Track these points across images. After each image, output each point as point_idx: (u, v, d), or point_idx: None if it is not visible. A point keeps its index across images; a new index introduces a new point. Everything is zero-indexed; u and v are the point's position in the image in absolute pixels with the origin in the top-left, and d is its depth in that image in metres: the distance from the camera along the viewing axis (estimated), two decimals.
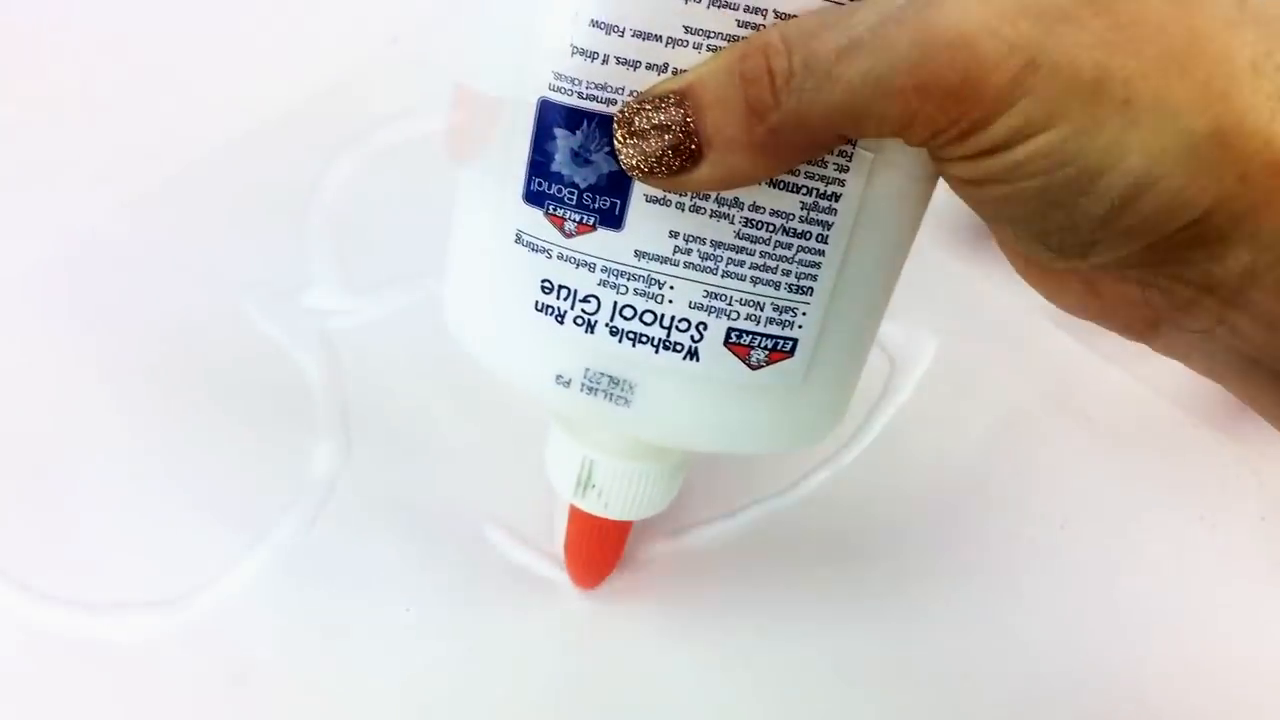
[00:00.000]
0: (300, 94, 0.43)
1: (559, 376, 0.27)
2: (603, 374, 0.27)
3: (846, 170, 0.24)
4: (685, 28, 0.23)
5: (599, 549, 0.33)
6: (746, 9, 0.23)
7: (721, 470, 0.36)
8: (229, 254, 0.40)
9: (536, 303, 0.26)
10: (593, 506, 0.30)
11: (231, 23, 0.45)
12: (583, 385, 0.27)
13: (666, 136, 0.23)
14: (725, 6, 0.23)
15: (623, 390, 0.27)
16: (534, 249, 0.26)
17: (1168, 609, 0.34)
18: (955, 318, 0.39)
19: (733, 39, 0.23)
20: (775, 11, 0.23)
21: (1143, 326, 0.25)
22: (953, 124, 0.21)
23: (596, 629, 0.34)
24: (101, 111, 0.43)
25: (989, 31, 0.20)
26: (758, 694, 0.33)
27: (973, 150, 0.21)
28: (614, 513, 0.30)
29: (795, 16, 0.23)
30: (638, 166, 0.24)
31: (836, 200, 0.25)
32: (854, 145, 0.24)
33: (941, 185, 0.27)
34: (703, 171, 0.23)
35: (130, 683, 0.32)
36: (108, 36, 0.44)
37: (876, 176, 0.25)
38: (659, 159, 0.23)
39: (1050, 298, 0.27)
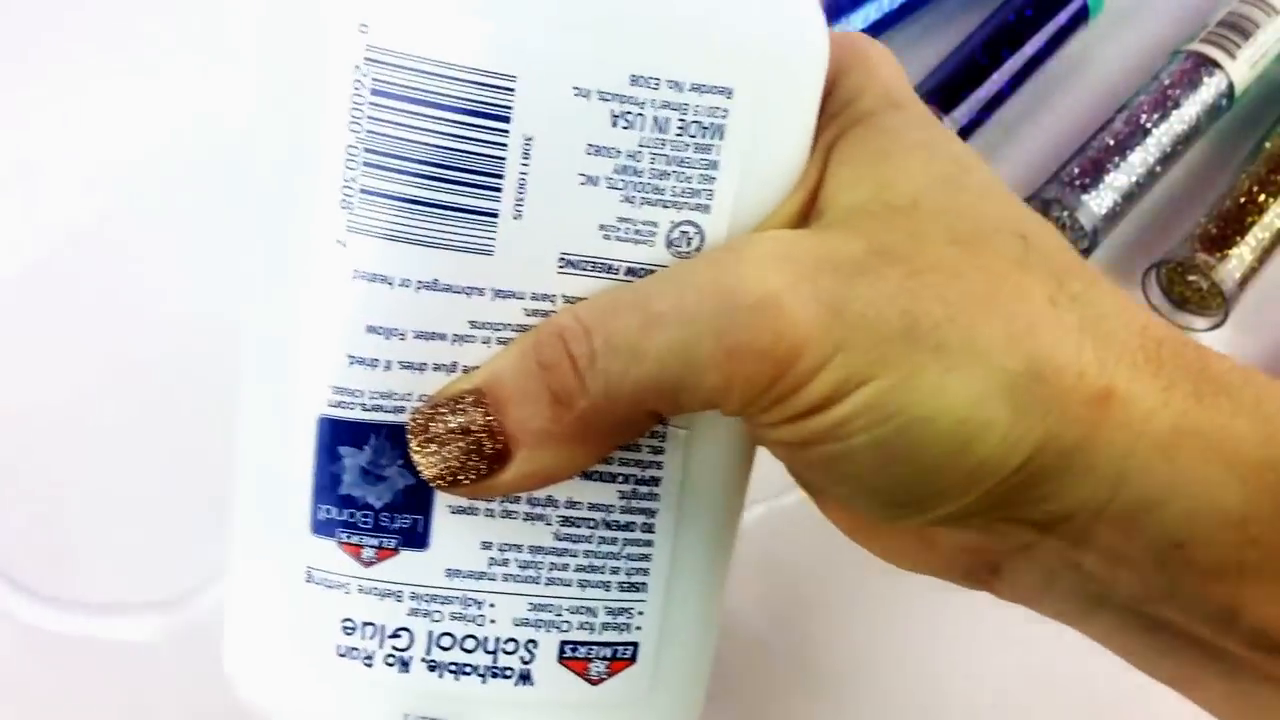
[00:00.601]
0: None
1: None
2: (425, 719, 0.23)
3: (662, 452, 0.23)
4: (470, 323, 0.22)
5: None
6: (534, 296, 0.22)
7: None
8: (229, 254, 0.38)
9: (338, 647, 0.23)
10: None
11: (232, 23, 0.45)
12: None
13: (467, 439, 0.21)
14: (511, 297, 0.21)
15: None
16: (329, 585, 0.23)
17: None
18: None
19: (523, 329, 0.22)
20: (564, 296, 0.22)
21: (985, 573, 0.24)
22: (770, 387, 0.20)
23: None
24: (102, 111, 0.42)
25: (791, 289, 0.19)
26: (758, 694, 0.33)
27: (793, 412, 0.20)
28: None
29: (584, 299, 0.21)
30: (440, 477, 0.21)
31: (656, 484, 0.23)
32: (666, 425, 0.23)
33: None
34: (511, 472, 0.21)
35: (130, 683, 0.32)
36: (108, 36, 0.44)
37: (693, 452, 0.23)
38: (462, 465, 0.21)
39: (885, 556, 0.25)
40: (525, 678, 0.23)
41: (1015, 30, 0.44)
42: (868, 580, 0.35)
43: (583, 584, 0.23)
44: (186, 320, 0.38)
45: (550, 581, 0.23)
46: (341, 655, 0.23)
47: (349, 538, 0.23)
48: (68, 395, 0.37)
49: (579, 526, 0.23)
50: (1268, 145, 0.43)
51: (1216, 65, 0.43)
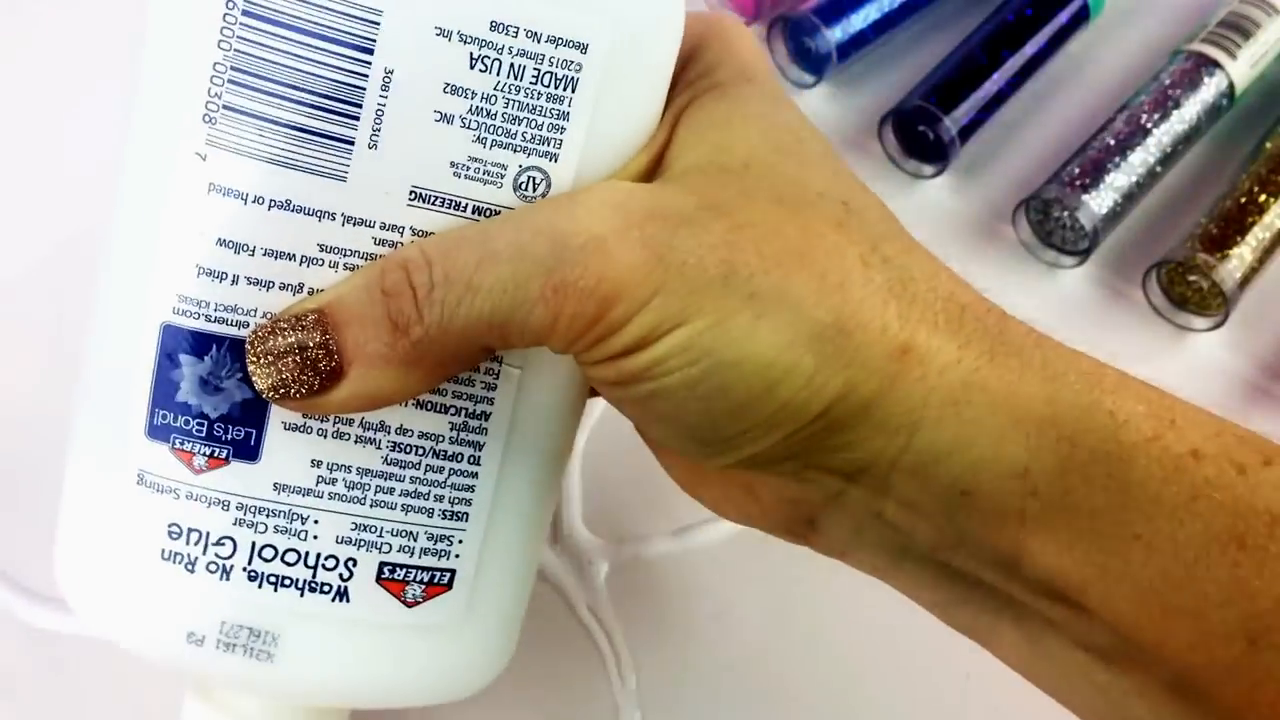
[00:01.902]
0: None
1: (191, 634, 0.24)
2: (241, 626, 0.24)
3: (494, 388, 0.24)
4: (320, 245, 0.23)
5: None
6: (383, 226, 0.23)
7: None
8: None
9: (163, 550, 0.24)
10: None
11: None
12: (219, 642, 0.24)
13: (303, 355, 0.22)
14: (361, 224, 0.23)
15: (265, 643, 0.24)
16: (159, 489, 0.24)
17: None
18: None
19: (370, 257, 0.23)
20: (412, 229, 0.23)
21: (802, 526, 0.25)
22: (592, 325, 0.21)
23: (594, 629, 0.34)
24: (101, 111, 0.41)
25: (618, 234, 0.21)
26: (752, 695, 0.33)
27: (614, 350, 0.22)
28: None
29: (432, 234, 0.23)
30: (273, 388, 0.22)
31: (486, 419, 0.24)
32: (500, 362, 0.24)
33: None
34: (344, 390, 0.22)
35: (130, 683, 0.32)
36: (108, 37, 0.41)
37: (525, 392, 0.24)
38: (295, 379, 0.22)
39: (713, 506, 0.27)
40: (343, 595, 0.24)
41: (1015, 30, 0.45)
42: (868, 580, 0.35)
43: (406, 509, 0.24)
44: None
45: (375, 504, 0.24)
46: (165, 559, 0.24)
47: (182, 444, 0.23)
48: (68, 395, 0.36)
49: (408, 453, 0.24)
50: (1268, 145, 0.42)
51: (1217, 65, 0.43)
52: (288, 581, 0.24)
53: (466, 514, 0.24)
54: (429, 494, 0.24)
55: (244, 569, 0.24)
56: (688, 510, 0.35)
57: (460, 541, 0.25)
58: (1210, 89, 0.43)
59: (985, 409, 0.22)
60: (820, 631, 0.34)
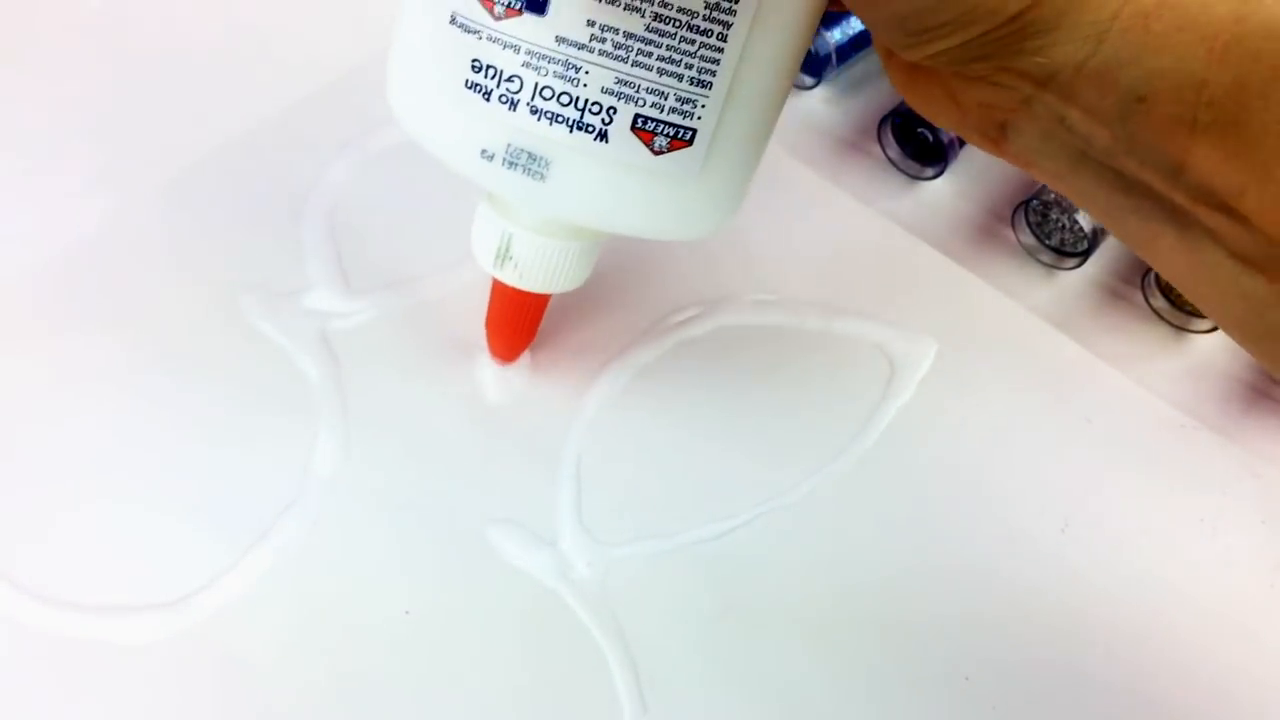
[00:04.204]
0: (300, 94, 0.43)
1: (484, 150, 0.30)
2: (522, 150, 0.30)
3: None
4: None
5: (515, 322, 0.36)
6: None
7: (720, 470, 0.36)
8: (229, 254, 0.40)
9: (467, 80, 0.29)
10: (510, 278, 0.34)
11: (232, 23, 0.46)
12: (504, 160, 0.30)
13: None
14: None
15: (539, 166, 0.30)
16: (466, 30, 0.29)
17: (1168, 610, 0.34)
18: (955, 320, 0.40)
19: None
20: None
21: (995, 131, 0.28)
22: None
23: (595, 629, 0.34)
24: (101, 112, 0.43)
25: None
26: (753, 695, 0.33)
27: None
28: (529, 284, 0.34)
29: None
30: None
31: (736, 2, 0.28)
32: None
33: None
34: None
35: (130, 683, 0.32)
36: (108, 36, 0.45)
37: None
38: None
39: (919, 106, 0.30)
40: (603, 136, 0.29)
41: None
42: (867, 581, 0.34)
43: (661, 71, 0.29)
44: (187, 321, 0.38)
45: (635, 64, 0.28)
46: (468, 88, 0.30)
47: None
48: (69, 395, 0.36)
49: (666, 24, 0.28)
50: None
51: None
52: (561, 119, 0.29)
53: (710, 83, 0.29)
54: (680, 61, 0.28)
55: (527, 103, 0.29)
56: (687, 510, 0.36)
57: (703, 106, 0.29)
58: None
59: (1173, 24, 0.24)
60: (820, 632, 0.34)
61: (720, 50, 0.28)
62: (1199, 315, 0.40)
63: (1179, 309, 0.40)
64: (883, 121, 0.44)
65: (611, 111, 0.29)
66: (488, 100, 0.29)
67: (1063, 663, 0.34)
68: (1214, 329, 0.40)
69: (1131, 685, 0.33)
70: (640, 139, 0.29)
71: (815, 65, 0.46)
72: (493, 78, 0.29)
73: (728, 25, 0.28)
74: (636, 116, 0.29)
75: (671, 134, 0.29)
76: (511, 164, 0.30)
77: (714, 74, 0.29)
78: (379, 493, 0.35)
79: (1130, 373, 0.39)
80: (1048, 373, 0.39)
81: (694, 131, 0.29)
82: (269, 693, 0.32)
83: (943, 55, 0.26)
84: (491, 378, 0.38)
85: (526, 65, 0.29)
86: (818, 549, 0.35)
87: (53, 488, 0.35)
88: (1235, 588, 0.35)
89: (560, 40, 0.28)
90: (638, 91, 0.29)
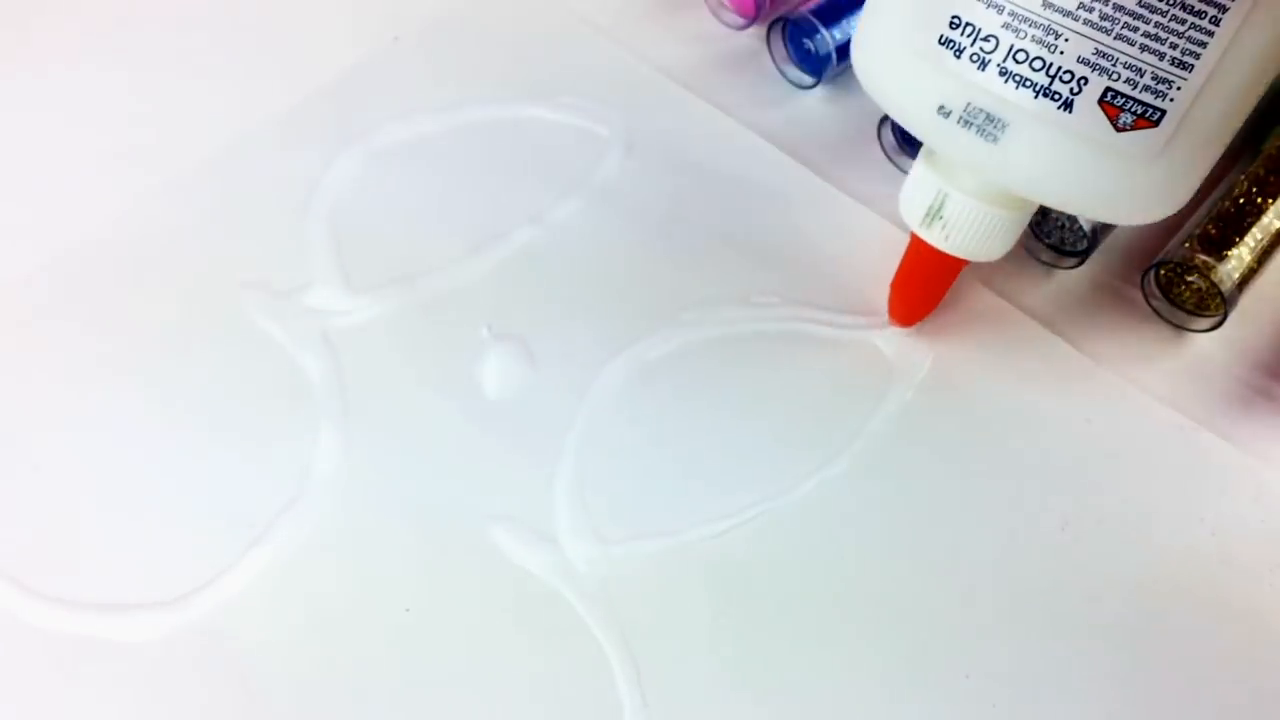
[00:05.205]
0: (300, 94, 0.44)
1: (941, 107, 0.31)
2: (981, 110, 0.31)
3: None
4: None
5: (926, 283, 0.37)
6: None
7: (721, 470, 0.36)
8: (230, 252, 0.40)
9: (941, 36, 0.31)
10: (934, 238, 0.34)
11: (231, 23, 0.46)
12: (960, 118, 0.31)
13: None
14: None
15: (995, 128, 0.31)
16: None
17: (1167, 610, 0.34)
18: (954, 320, 0.39)
19: None
20: None
21: None
22: None
23: (596, 629, 0.33)
24: (102, 111, 0.43)
25: None
26: (753, 695, 0.32)
27: None
28: (952, 247, 0.34)
29: None
30: None
31: None
32: None
33: None
34: None
35: (130, 683, 0.32)
36: (107, 36, 0.45)
37: None
38: None
39: None
40: (1068, 105, 0.30)
41: None
42: (866, 581, 0.34)
43: (1143, 48, 0.29)
44: (187, 321, 0.38)
45: (1118, 37, 0.29)
46: (940, 44, 0.31)
47: None
48: (69, 394, 0.36)
49: (1161, 0, 0.28)
50: (1265, 147, 0.39)
51: None
52: (1029, 84, 0.30)
53: (1192, 65, 0.29)
54: (1166, 40, 0.29)
55: (998, 65, 0.30)
56: (687, 508, 0.35)
57: (1179, 88, 0.29)
58: None
59: None
60: (820, 630, 0.33)
61: (1210, 34, 0.28)
62: (1199, 315, 0.39)
63: (1179, 309, 0.39)
64: (883, 120, 0.43)
65: (1083, 82, 0.29)
66: (959, 57, 0.30)
67: (1063, 662, 0.33)
68: (1214, 329, 0.38)
69: (1131, 685, 0.33)
70: (1105, 113, 0.30)
71: (816, 64, 0.45)
72: (969, 35, 0.30)
73: (1224, 9, 0.28)
74: (1107, 90, 0.29)
75: (1139, 112, 0.30)
76: (967, 123, 0.31)
77: (1198, 57, 0.29)
78: (379, 490, 0.35)
79: (1130, 373, 0.38)
80: (1047, 372, 0.38)
81: (1163, 113, 0.29)
82: (269, 691, 0.32)
83: None
84: (491, 377, 0.37)
85: (1007, 26, 0.30)
86: (817, 548, 0.35)
87: (52, 486, 0.35)
88: (1235, 588, 0.35)
89: (1047, 5, 0.29)
90: (1114, 65, 0.29)
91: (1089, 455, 0.37)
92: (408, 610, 0.33)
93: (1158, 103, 0.29)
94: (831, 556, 0.35)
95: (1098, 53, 0.29)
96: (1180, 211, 0.32)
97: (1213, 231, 0.37)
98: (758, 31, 0.46)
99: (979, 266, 0.39)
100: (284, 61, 0.45)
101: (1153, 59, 0.29)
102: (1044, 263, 0.40)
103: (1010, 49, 0.30)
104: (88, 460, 0.35)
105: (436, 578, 0.34)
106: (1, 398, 0.36)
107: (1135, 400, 0.38)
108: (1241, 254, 0.37)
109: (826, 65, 0.44)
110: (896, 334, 0.39)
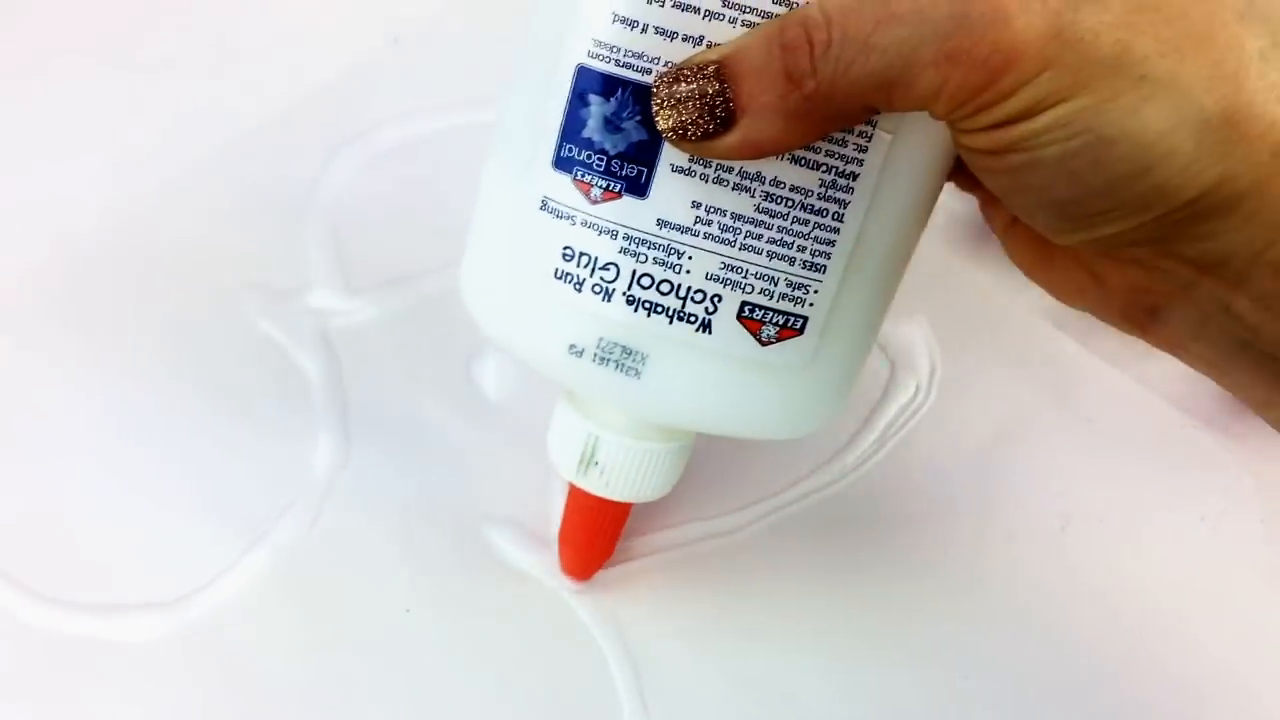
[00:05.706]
0: (300, 94, 0.43)
1: (572, 346, 0.28)
2: (616, 344, 0.27)
3: (865, 150, 0.26)
4: (724, 1, 0.24)
5: (595, 534, 0.33)
6: None
7: (721, 470, 0.36)
8: (229, 254, 0.40)
9: (556, 270, 0.27)
10: (594, 486, 0.30)
11: (231, 23, 0.46)
12: (595, 355, 0.28)
13: (701, 101, 0.24)
14: None
15: (634, 361, 0.27)
16: (558, 215, 0.27)
17: (1168, 610, 0.35)
18: (956, 319, 0.40)
19: (768, 15, 0.24)
20: None
21: (1143, 315, 0.26)
22: (977, 94, 0.22)
23: (595, 629, 0.34)
24: (102, 110, 0.43)
25: (1022, 7, 0.22)
26: (753, 695, 0.33)
27: (995, 119, 0.23)
28: (615, 493, 0.31)
29: None
30: (673, 129, 0.25)
31: (854, 179, 0.26)
32: (874, 127, 0.26)
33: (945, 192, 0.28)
34: (734, 136, 0.24)
35: (130, 683, 0.32)
36: (107, 36, 0.44)
37: (893, 158, 0.26)
38: (693, 121, 0.24)
39: (1052, 289, 0.28)
40: (706, 326, 0.27)
41: None
42: (866, 581, 0.35)
43: (771, 255, 0.26)
44: (187, 321, 0.38)
45: (744, 247, 0.26)
46: (557, 278, 0.27)
47: (582, 176, 0.26)
48: (68, 394, 0.37)
49: (778, 203, 0.26)
50: None
51: None
52: (660, 309, 0.27)
53: (825, 266, 0.27)
54: (793, 244, 0.26)
55: (624, 293, 0.27)
56: (687, 509, 0.36)
57: (815, 291, 0.27)
58: None
59: None
60: (820, 632, 0.34)
61: (836, 231, 0.26)
62: None
63: None
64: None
65: (716, 299, 0.27)
66: (579, 290, 0.27)
67: (1062, 662, 0.34)
68: None
69: (1131, 684, 0.34)
70: (747, 328, 0.27)
71: None
72: (586, 266, 0.27)
73: (844, 204, 0.26)
74: (744, 304, 0.27)
75: (782, 323, 0.27)
76: (603, 360, 0.28)
77: (828, 256, 0.27)
78: (379, 491, 0.36)
79: (1131, 372, 0.39)
80: (1048, 372, 0.39)
81: (805, 320, 0.27)
82: (268, 692, 0.32)
83: (1102, 241, 0.24)
84: (491, 377, 0.38)
85: (624, 251, 0.27)
86: (817, 549, 0.35)
87: (52, 486, 0.35)
88: (1235, 588, 0.36)
89: (662, 224, 0.26)
90: (745, 277, 0.27)
91: (1089, 455, 0.37)
92: (407, 611, 0.33)
93: (798, 310, 0.27)
94: (831, 557, 0.35)
95: (725, 266, 0.27)
96: None
97: None
98: None
99: (986, 260, 0.39)
100: (283, 61, 0.44)
101: (784, 265, 0.27)
102: None
103: (634, 275, 0.27)
104: (87, 460, 0.35)
105: (436, 579, 0.34)
106: (1, 397, 0.36)
107: (1136, 400, 0.38)
108: None
109: None
110: (896, 333, 0.39)
